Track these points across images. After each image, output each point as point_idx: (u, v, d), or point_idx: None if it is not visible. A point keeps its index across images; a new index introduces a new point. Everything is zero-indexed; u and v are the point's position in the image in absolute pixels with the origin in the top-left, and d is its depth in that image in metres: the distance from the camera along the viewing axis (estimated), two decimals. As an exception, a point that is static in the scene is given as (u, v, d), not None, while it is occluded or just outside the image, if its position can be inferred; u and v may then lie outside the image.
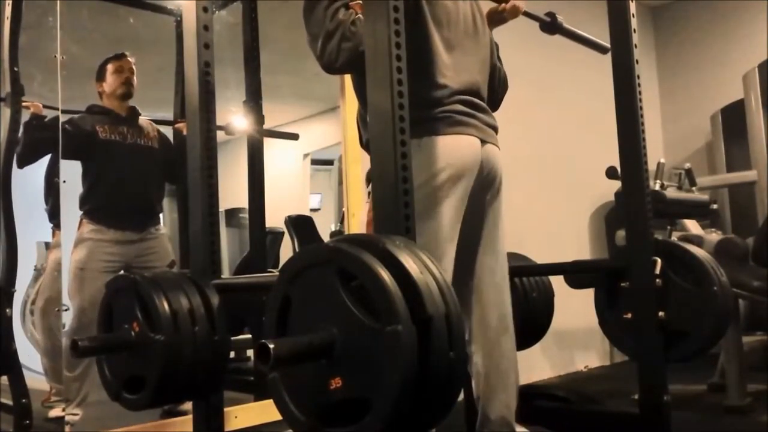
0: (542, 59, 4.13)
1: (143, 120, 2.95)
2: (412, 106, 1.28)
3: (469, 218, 1.72)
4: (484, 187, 1.76)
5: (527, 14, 2.03)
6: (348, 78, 3.06)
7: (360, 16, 1.49)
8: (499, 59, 1.98)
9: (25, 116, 2.59)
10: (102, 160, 2.78)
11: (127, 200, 2.80)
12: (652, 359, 1.87)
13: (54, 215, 2.80)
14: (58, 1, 2.52)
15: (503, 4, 1.89)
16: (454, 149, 1.63)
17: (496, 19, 1.94)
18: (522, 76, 4.03)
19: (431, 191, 1.59)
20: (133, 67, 2.89)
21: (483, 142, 1.71)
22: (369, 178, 1.64)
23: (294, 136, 3.51)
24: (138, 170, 2.85)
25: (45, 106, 2.68)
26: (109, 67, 2.86)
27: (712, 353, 2.68)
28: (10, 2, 2.43)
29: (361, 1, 1.51)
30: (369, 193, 1.65)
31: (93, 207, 2.74)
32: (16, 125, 2.45)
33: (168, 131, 3.11)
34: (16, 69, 2.44)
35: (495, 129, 1.80)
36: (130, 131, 2.86)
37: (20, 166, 2.60)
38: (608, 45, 2.15)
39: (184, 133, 2.87)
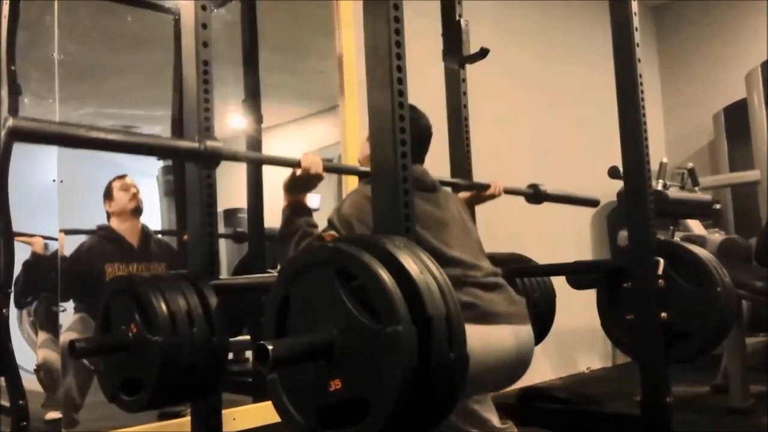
0: (543, 59, 4.12)
1: (155, 242, 2.93)
2: None
3: None
4: (512, 374, 1.73)
5: (510, 191, 2.28)
6: (348, 77, 3.05)
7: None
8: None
9: (26, 254, 2.56)
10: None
11: None
12: (655, 360, 1.87)
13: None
14: (56, 0, 2.51)
15: (489, 191, 2.18)
16: (481, 345, 1.58)
17: (477, 200, 2.20)
18: (522, 77, 4.03)
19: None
20: (136, 185, 2.89)
21: (513, 327, 1.69)
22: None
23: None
24: None
25: (45, 238, 2.65)
26: (115, 185, 2.87)
27: (715, 354, 2.67)
28: (8, 1, 2.42)
29: (332, 233, 1.62)
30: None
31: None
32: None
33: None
34: (13, 68, 2.43)
35: (520, 305, 1.77)
36: (139, 268, 2.83)
37: (18, 306, 2.58)
38: (597, 199, 2.41)
39: None
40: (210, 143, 1.54)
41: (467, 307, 1.60)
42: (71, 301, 2.69)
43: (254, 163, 2.81)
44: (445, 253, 1.66)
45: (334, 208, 1.73)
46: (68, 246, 2.70)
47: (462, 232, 1.80)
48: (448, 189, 2.12)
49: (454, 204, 1.90)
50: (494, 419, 1.76)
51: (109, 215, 2.88)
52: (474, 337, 1.53)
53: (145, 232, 2.91)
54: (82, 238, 2.80)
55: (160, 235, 3.09)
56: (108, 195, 2.89)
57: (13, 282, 2.43)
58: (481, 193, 2.20)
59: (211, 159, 1.56)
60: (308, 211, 1.70)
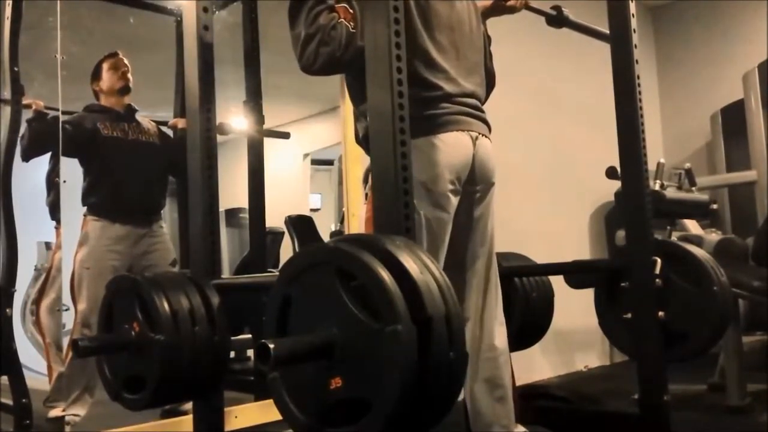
0: (541, 59, 4.13)
1: (141, 117, 2.96)
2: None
3: (462, 216, 1.73)
4: (478, 182, 1.76)
5: (532, 8, 2.06)
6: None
7: (342, 20, 1.51)
8: (490, 54, 1.98)
9: (27, 114, 2.59)
10: (105, 157, 2.79)
11: (131, 196, 2.81)
12: (652, 359, 1.88)
13: (55, 213, 2.80)
14: (59, 1, 2.52)
15: (510, 2, 1.95)
16: (446, 149, 1.64)
17: (498, 9, 1.97)
18: (521, 76, 4.03)
19: (424, 193, 1.59)
20: (128, 64, 2.90)
21: (476, 137, 1.72)
22: (366, 177, 1.65)
23: (286, 135, 3.51)
24: (141, 166, 2.85)
25: (46, 107, 2.68)
26: (105, 65, 2.88)
27: (712, 353, 2.68)
28: (11, 2, 2.43)
29: (345, 5, 1.53)
30: (366, 194, 1.65)
31: (97, 201, 2.75)
32: (16, 125, 2.45)
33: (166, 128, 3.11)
34: (16, 69, 2.44)
35: (487, 124, 1.80)
36: (131, 127, 2.87)
37: (25, 159, 2.61)
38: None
39: (179, 127, 2.90)
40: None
41: (428, 119, 1.62)
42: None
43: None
44: (434, 59, 1.64)
45: None
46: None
47: (464, 40, 1.75)
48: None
49: (468, 10, 1.81)
50: (508, 420, 1.76)
51: (96, 94, 2.90)
52: (427, 144, 1.61)
53: (131, 106, 2.93)
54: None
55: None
56: (96, 75, 2.90)
57: (19, 138, 2.48)
58: (500, 3, 1.97)
59: None
60: None
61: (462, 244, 1.78)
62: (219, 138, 1.81)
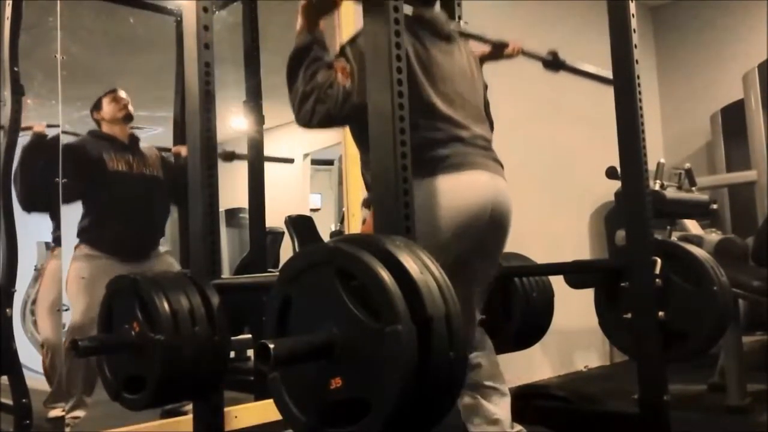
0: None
1: (144, 146, 2.95)
2: (413, 151, 1.29)
3: (476, 244, 1.69)
4: (495, 224, 1.71)
5: (528, 54, 2.11)
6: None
7: (340, 77, 1.53)
8: (488, 102, 1.98)
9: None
10: (110, 193, 2.77)
11: (134, 233, 2.79)
12: (652, 359, 1.88)
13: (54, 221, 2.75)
14: (59, 1, 2.52)
15: (507, 50, 2.01)
16: (459, 190, 1.60)
17: (495, 56, 2.03)
18: (520, 75, 4.03)
19: (436, 236, 1.55)
20: (128, 98, 2.89)
21: (492, 177, 1.69)
22: (367, 204, 1.64)
23: (289, 161, 3.57)
24: (144, 203, 2.84)
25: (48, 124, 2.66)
26: (105, 99, 2.87)
27: (712, 353, 2.68)
28: (10, 2, 2.43)
29: (342, 61, 1.54)
30: (365, 219, 1.64)
31: (95, 235, 2.71)
32: (16, 125, 2.45)
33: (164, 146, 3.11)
34: (16, 69, 2.43)
35: (501, 165, 1.77)
36: (136, 160, 2.85)
37: (26, 210, 2.59)
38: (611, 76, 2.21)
39: (182, 155, 2.89)
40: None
41: (446, 159, 1.60)
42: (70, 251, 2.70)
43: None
44: (439, 109, 1.63)
45: (349, 38, 1.64)
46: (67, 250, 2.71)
47: (467, 89, 1.75)
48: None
49: (467, 58, 1.82)
50: (506, 422, 1.76)
51: (98, 123, 2.89)
52: (448, 185, 1.58)
53: (134, 136, 2.92)
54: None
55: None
56: (97, 107, 2.89)
57: (12, 180, 2.45)
58: (498, 51, 2.05)
59: None
60: (322, 38, 1.62)
61: (472, 267, 1.76)
62: (219, 138, 1.80)
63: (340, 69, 1.54)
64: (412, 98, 1.33)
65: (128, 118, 2.88)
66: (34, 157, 2.61)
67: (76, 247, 2.70)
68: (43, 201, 2.61)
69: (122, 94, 2.89)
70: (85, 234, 2.72)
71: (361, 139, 1.70)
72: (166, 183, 2.93)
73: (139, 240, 2.82)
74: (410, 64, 1.58)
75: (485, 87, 1.94)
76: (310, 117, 1.55)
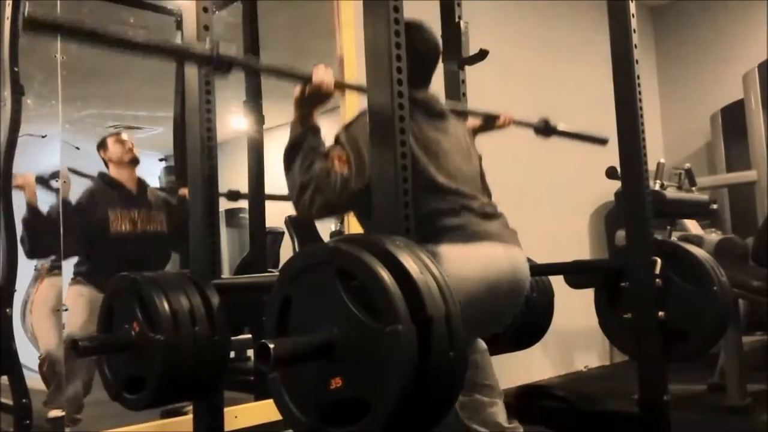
0: (542, 59, 4.13)
1: (151, 193, 2.96)
2: (423, 220, 1.30)
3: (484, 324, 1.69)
4: (510, 299, 1.70)
5: (520, 123, 2.19)
6: (348, 77, 3.06)
7: (337, 165, 1.54)
8: (483, 173, 1.98)
9: (18, 198, 2.53)
10: (111, 252, 2.76)
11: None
12: (652, 359, 1.88)
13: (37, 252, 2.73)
14: (59, 2, 2.52)
15: (498, 122, 2.10)
16: (475, 261, 1.58)
17: (484, 128, 2.11)
18: (520, 75, 4.04)
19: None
20: (132, 142, 2.91)
21: (507, 247, 1.67)
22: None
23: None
24: (146, 257, 2.83)
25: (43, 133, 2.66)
26: (110, 140, 2.89)
27: (712, 353, 2.68)
28: (11, 2, 2.43)
29: (339, 149, 1.56)
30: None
31: (91, 279, 2.69)
32: (16, 125, 2.45)
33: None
34: (16, 69, 2.43)
35: (514, 231, 1.76)
36: (141, 215, 2.85)
37: (30, 257, 2.62)
38: (606, 137, 2.26)
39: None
40: (222, 49, 1.51)
41: (458, 229, 1.59)
42: (71, 271, 2.72)
43: (265, 72, 2.78)
44: (443, 184, 1.63)
45: (342, 126, 1.66)
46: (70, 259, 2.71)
47: (465, 163, 1.76)
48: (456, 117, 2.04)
49: (462, 133, 1.84)
50: (502, 418, 1.77)
51: (106, 163, 2.89)
52: (463, 255, 1.56)
53: (142, 182, 2.93)
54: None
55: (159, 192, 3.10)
56: (103, 145, 2.90)
57: (19, 241, 2.44)
58: (490, 123, 2.11)
59: (223, 63, 1.53)
60: (317, 128, 1.63)
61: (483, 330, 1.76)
62: (219, 138, 1.81)
63: (336, 157, 1.55)
64: (415, 176, 1.35)
65: (135, 161, 2.90)
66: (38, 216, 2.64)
67: (71, 278, 2.71)
68: (46, 249, 2.66)
69: (125, 136, 2.91)
70: (80, 274, 2.73)
71: (364, 220, 1.71)
72: (170, 236, 2.95)
73: None
74: (410, 144, 1.60)
75: (480, 158, 1.96)
76: (308, 206, 1.56)
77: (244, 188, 3.03)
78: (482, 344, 1.85)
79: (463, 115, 2.10)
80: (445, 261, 1.51)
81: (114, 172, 2.88)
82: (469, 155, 1.82)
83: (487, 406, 1.75)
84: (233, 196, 3.02)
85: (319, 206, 1.54)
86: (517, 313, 1.77)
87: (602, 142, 2.30)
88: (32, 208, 2.64)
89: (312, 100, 1.61)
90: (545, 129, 2.25)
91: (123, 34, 1.40)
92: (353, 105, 3.08)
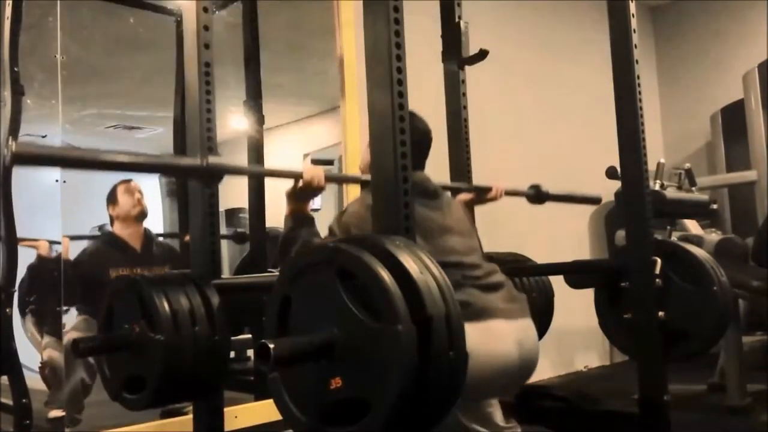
0: (542, 61, 4.13)
1: (157, 246, 2.95)
2: None
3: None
4: (521, 375, 1.71)
5: (512, 193, 2.29)
6: (348, 77, 3.07)
7: None
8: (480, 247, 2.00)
9: (28, 255, 2.54)
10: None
11: None
12: (652, 359, 1.88)
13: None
14: (59, 2, 2.52)
15: (490, 194, 2.20)
16: (484, 342, 1.55)
17: (478, 201, 2.21)
18: (522, 78, 4.04)
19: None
20: (141, 190, 2.89)
21: (515, 323, 1.67)
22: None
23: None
24: None
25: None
26: (120, 188, 2.87)
27: (712, 353, 2.68)
28: (11, 2, 2.43)
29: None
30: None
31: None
32: (17, 125, 2.45)
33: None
34: (16, 69, 2.43)
35: (521, 300, 1.76)
36: (143, 273, 2.83)
37: (21, 309, 2.57)
38: (599, 196, 2.28)
39: None
40: (212, 159, 1.53)
41: (463, 306, 1.59)
42: (75, 308, 2.68)
43: (257, 177, 2.83)
44: (444, 260, 1.62)
45: (335, 217, 1.74)
46: (73, 249, 2.70)
47: (463, 238, 1.80)
48: (449, 193, 2.12)
49: (456, 209, 1.90)
50: (498, 417, 1.77)
51: (112, 219, 2.89)
52: (470, 335, 1.56)
53: (147, 236, 2.91)
54: (85, 243, 2.80)
55: (161, 239, 3.10)
56: (112, 199, 2.88)
57: (18, 285, 2.44)
58: (482, 196, 2.22)
59: (214, 175, 1.57)
60: (311, 220, 1.70)
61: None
62: (219, 138, 1.81)
63: None
64: None
65: (142, 215, 2.89)
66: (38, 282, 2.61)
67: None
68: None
69: (134, 184, 2.89)
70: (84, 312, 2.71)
71: None
72: None
73: None
74: None
75: (476, 231, 2.00)
76: None
77: (244, 188, 3.04)
78: None
79: (455, 191, 2.20)
80: None
81: (119, 229, 2.87)
82: (466, 230, 1.86)
83: (484, 406, 1.75)
84: (239, 239, 3.04)
85: None
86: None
87: (595, 201, 2.37)
88: (42, 262, 2.61)
89: (304, 194, 1.69)
90: (537, 195, 2.32)
91: (113, 157, 1.40)
92: (353, 105, 3.08)
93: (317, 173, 1.66)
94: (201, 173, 1.55)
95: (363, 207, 1.67)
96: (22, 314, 2.60)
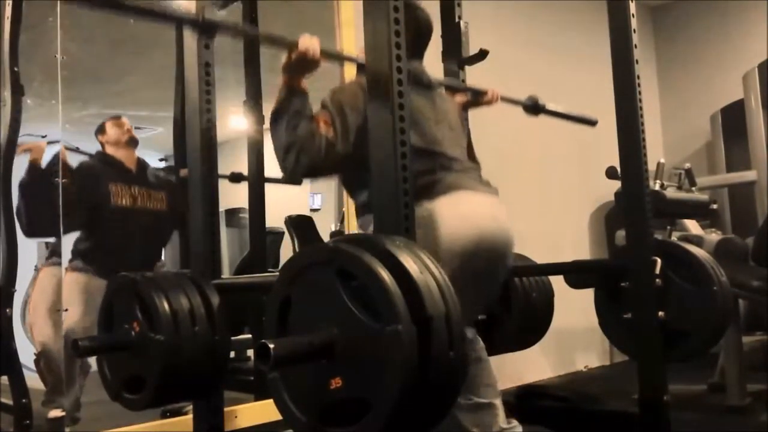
0: (541, 59, 4.13)
1: (152, 172, 2.95)
2: None
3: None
4: (494, 243, 1.69)
5: (507, 99, 2.20)
6: (348, 75, 3.06)
7: (322, 128, 1.56)
8: (471, 146, 2.01)
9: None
10: (111, 226, 2.75)
11: (130, 258, 2.76)
12: (652, 359, 1.88)
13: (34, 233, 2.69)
14: (59, 1, 2.52)
15: (486, 98, 2.12)
16: (451, 212, 1.59)
17: (473, 104, 2.14)
18: (521, 76, 4.04)
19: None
20: (131, 125, 2.90)
21: (483, 195, 1.70)
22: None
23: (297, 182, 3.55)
24: (145, 235, 2.83)
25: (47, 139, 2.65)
26: (108, 123, 2.87)
27: (712, 353, 2.68)
28: (11, 2, 2.43)
29: (325, 113, 1.58)
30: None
31: (90, 258, 2.68)
32: (17, 125, 2.45)
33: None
34: (16, 69, 2.43)
35: (494, 188, 1.78)
36: (141, 192, 2.84)
37: (29, 236, 2.57)
38: (595, 118, 2.24)
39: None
40: (209, 15, 1.59)
41: (436, 183, 1.61)
42: (72, 250, 2.69)
43: (250, 38, 2.78)
44: (421, 147, 1.64)
45: (330, 91, 1.69)
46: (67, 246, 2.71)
47: (451, 132, 1.79)
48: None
49: (450, 103, 1.89)
50: (501, 419, 1.77)
51: (103, 146, 2.87)
52: (441, 206, 1.58)
53: (141, 162, 2.91)
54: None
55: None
56: (100, 130, 2.88)
57: (15, 213, 2.43)
58: (477, 99, 2.16)
59: (209, 27, 1.62)
60: (304, 93, 1.66)
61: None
62: (219, 138, 1.81)
63: (321, 120, 1.58)
64: None
65: (133, 141, 2.88)
66: (35, 185, 2.60)
67: (69, 262, 2.69)
68: (45, 227, 2.59)
69: (125, 119, 2.89)
70: (79, 254, 2.71)
71: (350, 185, 1.76)
72: (170, 214, 2.94)
73: (134, 264, 2.82)
74: None
75: (468, 132, 2.00)
76: (293, 168, 1.58)
77: (244, 188, 3.04)
78: (480, 342, 1.85)
79: (451, 90, 2.12)
80: (423, 223, 1.51)
81: (111, 151, 2.86)
82: (454, 126, 1.84)
83: (486, 407, 1.75)
84: (236, 178, 3.01)
85: (303, 167, 1.57)
86: (507, 271, 1.76)
87: (591, 123, 2.29)
88: (34, 170, 2.60)
89: (298, 66, 1.64)
90: (534, 107, 2.25)
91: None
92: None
93: (312, 44, 1.62)
94: (197, 24, 1.60)
95: (357, 86, 1.64)
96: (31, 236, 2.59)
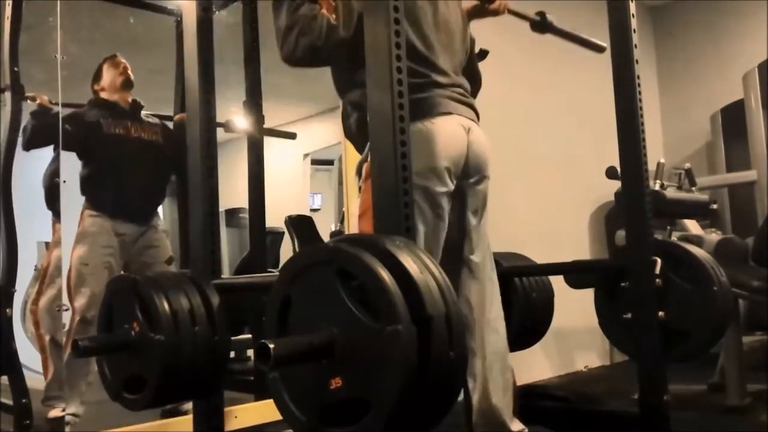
0: (541, 58, 4.13)
1: (146, 114, 2.96)
2: None
3: (457, 212, 1.72)
4: (471, 173, 1.75)
5: (514, 13, 2.08)
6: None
7: (324, 11, 1.54)
8: (476, 56, 1.99)
9: (31, 106, 2.63)
10: (105, 155, 2.79)
11: (131, 195, 2.82)
12: (652, 359, 1.88)
13: (53, 206, 2.79)
14: (59, 1, 2.52)
15: (493, 5, 1.99)
16: (440, 133, 1.62)
17: (482, 12, 2.02)
18: (521, 76, 4.04)
19: (421, 195, 1.57)
20: (127, 63, 2.91)
21: (468, 124, 1.72)
22: (360, 169, 1.65)
23: (292, 135, 3.51)
24: (142, 166, 2.86)
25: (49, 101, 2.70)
26: (105, 65, 2.90)
27: (712, 353, 2.68)
28: (11, 2, 2.43)
29: (329, 0, 1.55)
30: (360, 186, 1.65)
31: (96, 196, 2.76)
32: (16, 124, 2.46)
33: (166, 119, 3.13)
34: (16, 69, 2.44)
35: (477, 114, 1.80)
36: (134, 125, 2.87)
37: (26, 149, 2.63)
38: (604, 43, 2.16)
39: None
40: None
41: (419, 103, 1.59)
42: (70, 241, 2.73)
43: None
44: (419, 50, 1.65)
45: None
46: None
47: (449, 39, 1.78)
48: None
49: (453, 11, 1.85)
50: (515, 427, 1.77)
51: (97, 93, 2.90)
52: (421, 127, 1.59)
53: (135, 102, 2.93)
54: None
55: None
56: (96, 77, 2.91)
57: (21, 129, 2.50)
58: (484, 6, 2.05)
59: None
60: None
61: (458, 243, 1.77)
62: (219, 138, 1.81)
63: (325, 3, 1.56)
64: None
65: (127, 83, 2.90)
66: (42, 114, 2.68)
67: (82, 212, 2.75)
68: (44, 138, 2.69)
69: (121, 59, 2.90)
70: (86, 191, 2.77)
71: (340, 80, 1.72)
72: (165, 149, 2.95)
73: (136, 201, 2.85)
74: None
75: (473, 41, 1.95)
76: (293, 50, 1.57)
77: (243, 189, 3.04)
78: (504, 338, 1.83)
79: None
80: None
81: (105, 95, 2.89)
82: (457, 34, 1.82)
83: (497, 417, 1.75)
84: (228, 126, 3.02)
85: (302, 49, 1.56)
86: (481, 199, 1.79)
87: (599, 48, 2.20)
88: (43, 107, 2.69)
89: None
90: (541, 23, 2.15)
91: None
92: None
93: None
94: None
95: None
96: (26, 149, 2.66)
